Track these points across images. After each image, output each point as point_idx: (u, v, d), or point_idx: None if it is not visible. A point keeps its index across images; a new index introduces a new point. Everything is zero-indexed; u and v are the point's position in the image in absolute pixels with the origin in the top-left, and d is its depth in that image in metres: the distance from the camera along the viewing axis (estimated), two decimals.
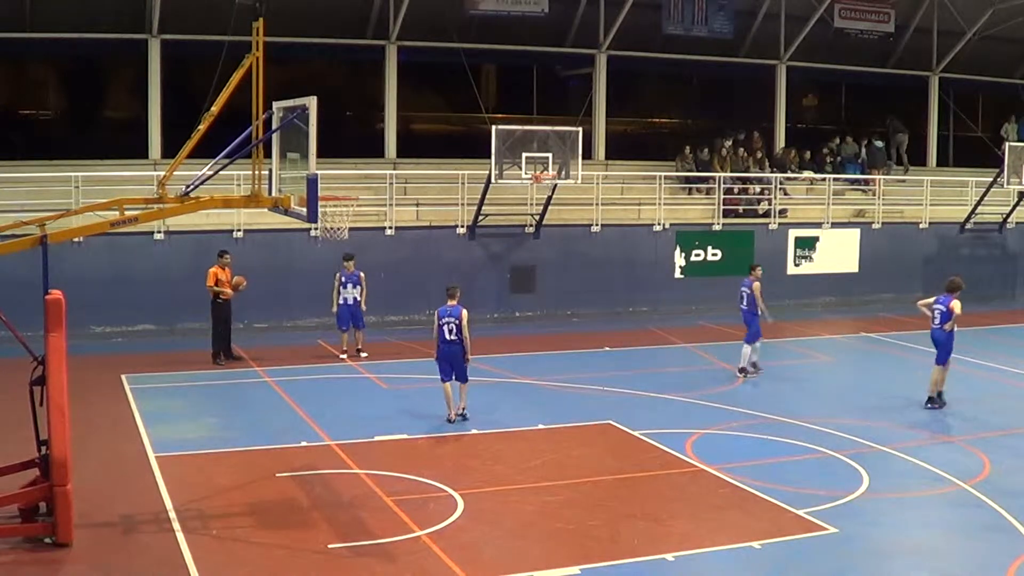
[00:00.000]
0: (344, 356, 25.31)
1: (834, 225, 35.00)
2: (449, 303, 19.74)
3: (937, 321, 22.34)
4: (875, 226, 35.73)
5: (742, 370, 24.31)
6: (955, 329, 22.23)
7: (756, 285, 24.48)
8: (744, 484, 16.76)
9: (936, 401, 22.20)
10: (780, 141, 37.87)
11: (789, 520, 15.33)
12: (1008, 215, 37.42)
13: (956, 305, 22.04)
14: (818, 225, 34.80)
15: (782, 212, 34.65)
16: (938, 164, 41.47)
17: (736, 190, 34.62)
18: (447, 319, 19.62)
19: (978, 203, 36.52)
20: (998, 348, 28.56)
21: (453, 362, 19.83)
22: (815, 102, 44.32)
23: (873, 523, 15.51)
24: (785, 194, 35.49)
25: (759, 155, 36.20)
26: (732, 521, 15.35)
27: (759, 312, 24.32)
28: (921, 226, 36.59)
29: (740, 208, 34.34)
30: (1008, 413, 22.15)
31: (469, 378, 20.22)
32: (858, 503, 16.21)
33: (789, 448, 18.88)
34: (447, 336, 19.64)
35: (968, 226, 37.16)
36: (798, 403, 22.16)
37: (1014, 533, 15.19)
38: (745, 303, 24.56)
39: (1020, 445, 19.82)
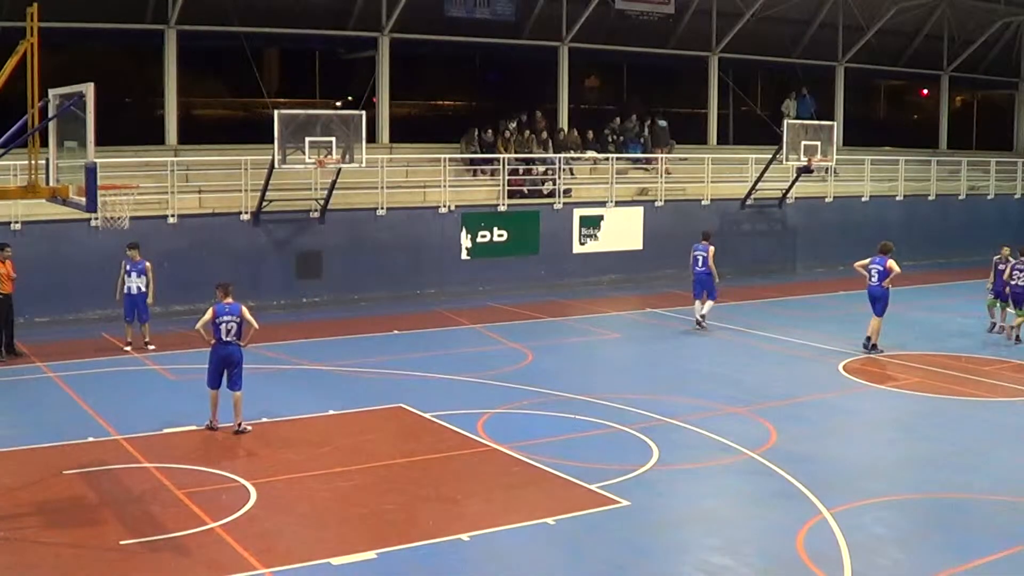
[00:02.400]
0: (129, 348, 24.75)
1: (618, 204, 35.52)
2: (225, 300, 18.49)
3: (875, 279, 25.49)
4: (658, 204, 36.37)
5: (699, 321, 27.85)
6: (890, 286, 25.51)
7: (711, 249, 27.88)
8: (536, 461, 16.91)
9: (874, 348, 25.55)
10: (564, 122, 38.24)
11: (582, 495, 15.52)
12: (787, 191, 38.46)
13: (893, 264, 25.37)
14: (602, 204, 35.27)
15: (567, 192, 35.01)
16: (719, 142, 42.44)
17: (521, 171, 34.84)
18: (226, 318, 18.41)
19: (758, 179, 37.46)
20: (780, 320, 29.40)
21: (228, 365, 18.56)
22: (597, 83, 44.88)
23: (664, 494, 15.83)
24: (570, 174, 35.86)
25: (543, 136, 36.49)
26: (526, 498, 15.48)
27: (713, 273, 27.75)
28: (703, 203, 37.38)
29: (525, 189, 34.58)
30: (791, 382, 22.83)
31: (248, 367, 19.09)
32: (649, 475, 16.50)
33: (579, 424, 19.11)
34: (224, 337, 18.41)
35: (749, 202, 38.10)
36: (587, 380, 22.46)
37: (802, 499, 15.63)
38: (701, 265, 27.84)
39: (804, 413, 20.43)
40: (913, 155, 44.44)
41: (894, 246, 26.04)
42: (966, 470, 17.39)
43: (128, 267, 24.71)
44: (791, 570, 13.32)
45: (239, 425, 18.45)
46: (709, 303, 27.95)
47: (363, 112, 29.29)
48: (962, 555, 13.85)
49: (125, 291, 24.71)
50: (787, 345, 26.36)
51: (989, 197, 45.40)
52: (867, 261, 25.82)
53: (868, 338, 25.73)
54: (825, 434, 19.32)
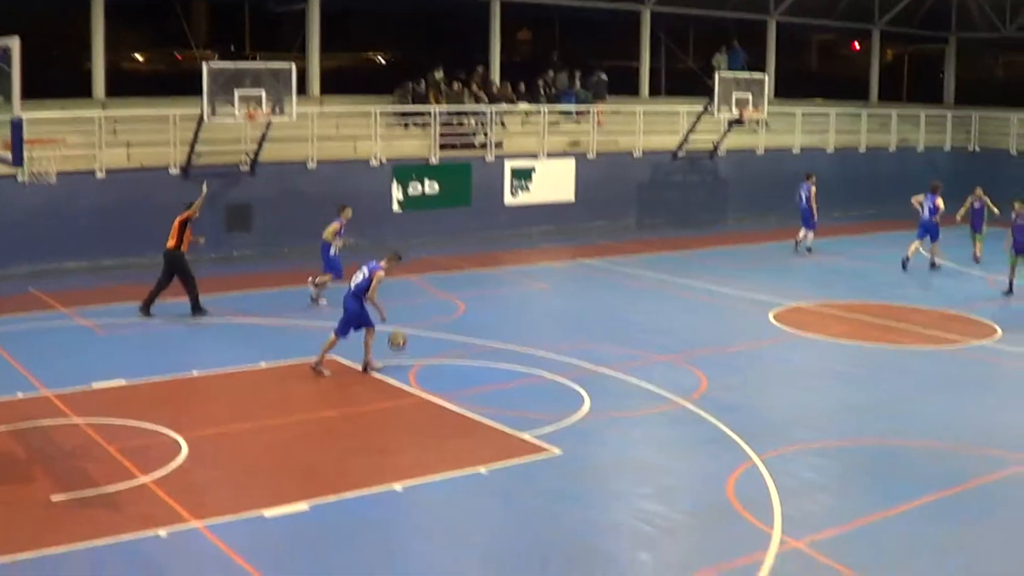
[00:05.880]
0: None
1: (550, 156, 35.49)
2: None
3: (926, 214, 30.26)
4: (590, 156, 36.37)
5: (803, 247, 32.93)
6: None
7: (813, 189, 32.56)
8: (468, 411, 16.95)
9: (934, 267, 30.49)
10: (496, 74, 38.10)
11: (514, 444, 15.58)
12: (718, 143, 38.58)
13: (940, 202, 30.25)
14: (534, 156, 35.22)
15: (498, 144, 34.94)
16: (651, 95, 42.40)
17: (453, 123, 34.69)
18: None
19: (689, 132, 37.57)
20: (711, 270, 29.55)
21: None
22: (530, 36, 44.75)
23: (596, 443, 15.90)
24: (502, 126, 35.77)
25: (475, 88, 36.35)
26: (458, 448, 15.50)
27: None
28: (635, 155, 37.42)
29: (457, 141, 34.46)
30: (722, 331, 23.00)
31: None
32: (581, 424, 16.58)
33: (511, 374, 19.15)
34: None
35: (680, 154, 38.19)
36: (519, 330, 22.47)
37: (732, 446, 15.78)
38: (804, 202, 32.87)
39: (734, 361, 20.58)
40: (844, 108, 44.65)
41: (942, 185, 30.93)
42: (895, 417, 17.60)
43: None
44: (722, 515, 13.45)
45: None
46: (808, 233, 32.90)
47: (293, 64, 29.02)
48: (889, 500, 14.04)
49: None
50: (718, 295, 26.51)
51: (919, 149, 45.75)
52: (921, 197, 30.48)
53: (907, 258, 30.25)
54: (755, 382, 19.50)
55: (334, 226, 23.86)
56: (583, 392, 18.05)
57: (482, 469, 14.59)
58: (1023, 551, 12.87)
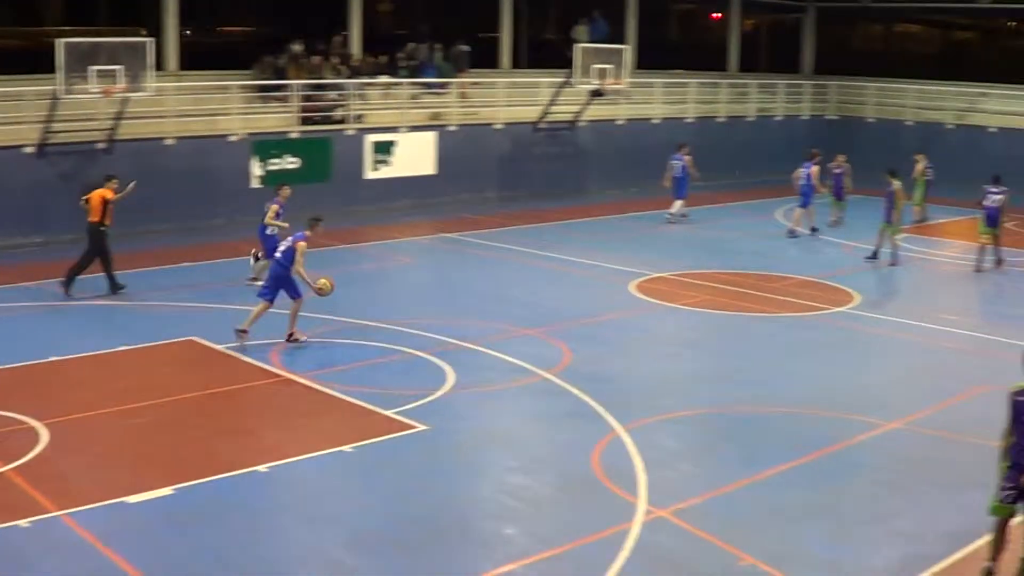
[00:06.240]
0: None
1: (411, 129, 35.35)
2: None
3: (804, 180, 31.50)
4: (451, 128, 36.31)
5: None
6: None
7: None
8: (332, 389, 16.88)
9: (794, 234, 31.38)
10: (357, 47, 37.82)
11: (379, 421, 15.57)
12: (579, 114, 38.73)
13: (816, 169, 31.65)
14: (395, 130, 35.06)
15: (359, 117, 34.71)
16: (512, 66, 42.44)
17: (313, 97, 34.38)
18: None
19: (550, 103, 37.66)
20: (573, 242, 29.71)
21: None
22: (391, 8, 44.48)
23: (461, 417, 15.97)
24: (363, 100, 35.54)
25: (336, 61, 36.04)
26: (323, 427, 15.46)
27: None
28: (496, 127, 37.43)
29: (317, 115, 34.16)
30: (584, 303, 23.14)
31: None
32: (445, 399, 16.62)
33: (375, 351, 19.09)
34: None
35: (541, 126, 38.28)
36: (382, 306, 22.37)
37: (596, 417, 15.93)
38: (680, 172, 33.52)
39: (597, 333, 20.75)
40: (704, 78, 45.12)
41: (820, 153, 32.54)
42: (755, 384, 17.91)
43: None
44: (587, 486, 13.59)
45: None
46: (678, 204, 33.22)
47: (151, 39, 28.51)
48: (752, 466, 14.31)
49: None
50: (579, 266, 26.67)
51: (777, 118, 46.43)
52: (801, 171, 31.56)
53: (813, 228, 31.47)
54: (617, 353, 19.67)
55: (274, 207, 23.48)
56: (447, 367, 18.06)
57: (347, 447, 14.56)
58: (882, 512, 13.18)
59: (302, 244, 19.01)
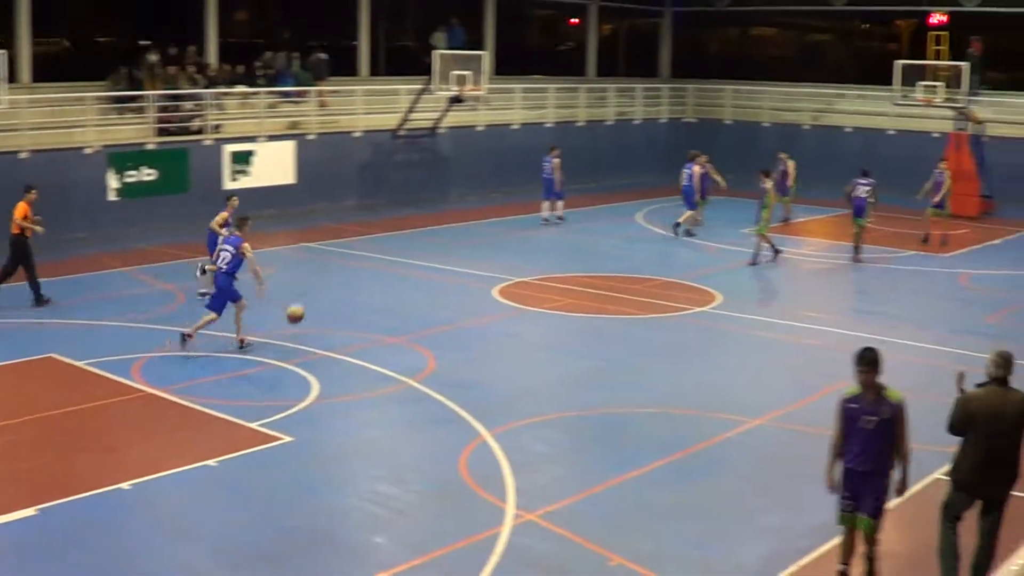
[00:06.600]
0: None
1: (269, 138, 35.03)
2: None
3: (685, 180, 32.04)
4: (310, 137, 36.04)
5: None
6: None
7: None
8: (195, 404, 16.64)
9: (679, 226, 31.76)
10: (213, 56, 37.39)
11: (244, 434, 15.40)
12: (439, 121, 38.69)
13: (697, 169, 32.21)
14: (253, 139, 34.69)
15: (217, 127, 34.31)
16: (371, 74, 42.28)
17: (170, 108, 33.88)
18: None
19: (409, 110, 37.56)
20: (435, 248, 29.64)
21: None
22: (247, 16, 44.04)
23: (327, 428, 15.87)
24: (220, 109, 35.13)
25: (192, 71, 35.58)
26: (186, 442, 15.23)
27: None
28: (355, 135, 37.24)
29: (175, 126, 33.68)
30: (448, 310, 23.11)
31: None
32: (311, 410, 16.49)
33: (238, 363, 18.87)
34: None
35: (401, 133, 38.17)
36: (245, 318, 22.05)
37: (463, 423, 15.92)
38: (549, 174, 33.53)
39: (461, 339, 20.74)
40: (562, 83, 45.37)
41: (701, 153, 33.04)
42: (620, 386, 18.05)
43: None
44: (456, 492, 13.57)
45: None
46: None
47: (2, 51, 27.84)
48: (620, 467, 14.41)
49: None
50: (443, 273, 26.63)
51: (636, 122, 46.81)
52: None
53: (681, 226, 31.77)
54: (483, 358, 19.69)
55: (222, 215, 23.07)
56: (311, 378, 17.92)
57: (211, 462, 14.37)
58: (749, 508, 13.35)
59: (246, 245, 19.54)
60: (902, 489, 11.14)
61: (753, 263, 27.77)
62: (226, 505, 13.42)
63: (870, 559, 11.09)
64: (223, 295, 19.56)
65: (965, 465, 10.99)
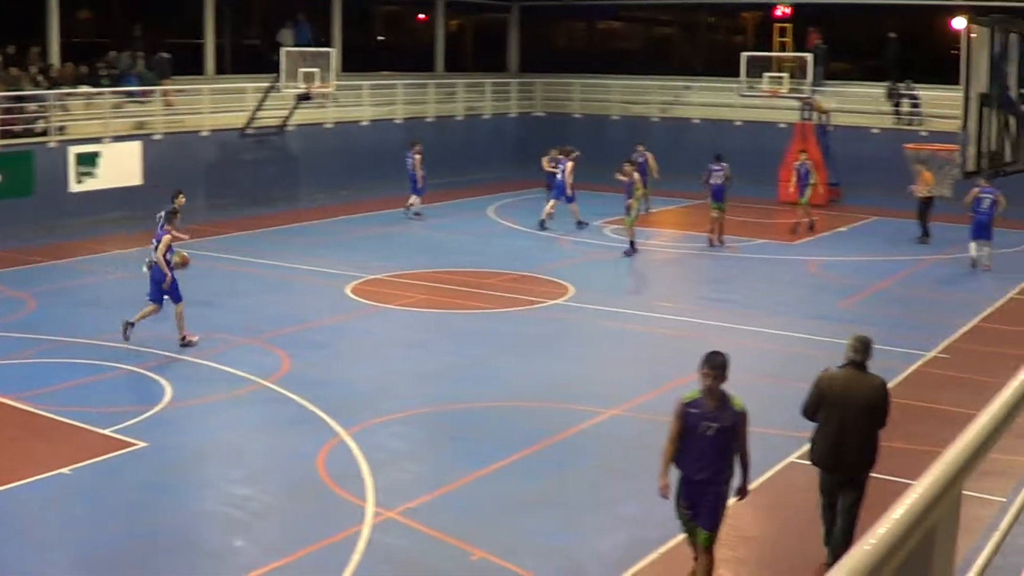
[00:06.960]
0: None
1: (116, 139, 34.49)
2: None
3: (560, 175, 31.97)
4: (156, 137, 35.58)
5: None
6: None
7: (417, 157, 33.17)
8: (45, 411, 16.33)
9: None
10: (55, 56, 36.70)
11: (97, 441, 15.17)
12: (287, 118, 38.45)
13: (570, 165, 32.16)
14: (98, 140, 34.14)
15: (61, 129, 33.69)
16: (217, 72, 41.84)
17: (13, 109, 33.17)
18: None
19: (257, 108, 37.27)
20: (286, 247, 29.43)
21: None
22: (90, 15, 43.27)
23: (183, 432, 15.72)
24: (64, 111, 34.51)
25: (35, 72, 34.88)
26: (36, 451, 14.97)
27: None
28: (202, 134, 36.84)
29: (17, 128, 32.99)
30: (301, 309, 23.03)
31: None
32: (165, 414, 16.32)
33: (89, 369, 18.56)
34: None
35: (249, 131, 37.85)
36: (94, 322, 21.70)
37: (319, 423, 15.91)
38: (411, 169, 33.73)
39: (315, 338, 20.71)
40: (411, 79, 45.35)
41: (575, 150, 33.25)
42: (476, 380, 18.19)
43: None
44: (314, 492, 13.57)
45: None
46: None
47: None
48: (478, 462, 14.53)
49: None
50: (294, 272, 26.51)
51: (485, 117, 47.01)
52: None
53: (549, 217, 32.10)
54: (337, 357, 19.70)
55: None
56: (164, 382, 17.72)
57: (65, 470, 14.13)
58: (606, 498, 13.56)
59: (167, 237, 19.89)
60: (743, 494, 10.94)
61: (628, 254, 28.16)
62: (84, 513, 13.24)
63: (707, 571, 10.83)
64: (157, 287, 19.91)
65: (819, 445, 11.31)
